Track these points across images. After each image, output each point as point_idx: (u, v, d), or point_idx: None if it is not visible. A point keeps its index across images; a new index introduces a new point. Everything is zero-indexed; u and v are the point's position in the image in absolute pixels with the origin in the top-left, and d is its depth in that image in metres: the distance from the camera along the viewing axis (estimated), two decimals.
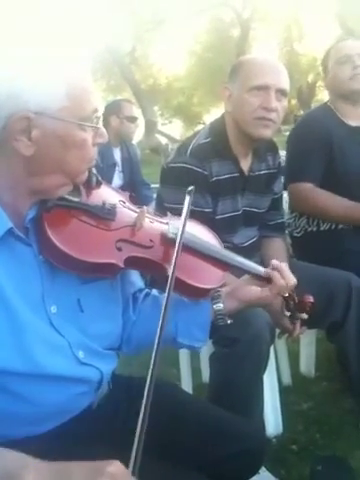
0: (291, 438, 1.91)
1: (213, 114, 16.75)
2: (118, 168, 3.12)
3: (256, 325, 1.46)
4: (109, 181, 3.06)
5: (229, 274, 1.25)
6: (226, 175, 1.67)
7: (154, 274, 1.14)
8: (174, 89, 21.74)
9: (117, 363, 1.15)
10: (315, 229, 2.17)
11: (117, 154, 3.14)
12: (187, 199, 1.14)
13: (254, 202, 1.80)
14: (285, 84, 1.63)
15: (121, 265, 1.00)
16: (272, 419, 1.89)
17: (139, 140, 12.75)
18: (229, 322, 1.17)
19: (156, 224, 1.13)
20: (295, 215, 2.24)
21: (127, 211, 1.10)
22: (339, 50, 2.13)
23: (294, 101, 25.31)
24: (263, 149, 1.79)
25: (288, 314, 1.35)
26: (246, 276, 1.20)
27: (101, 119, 1.01)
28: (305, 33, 20.05)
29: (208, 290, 1.15)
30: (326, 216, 2.09)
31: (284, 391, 2.17)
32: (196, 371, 2.16)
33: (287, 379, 2.25)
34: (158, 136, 16.70)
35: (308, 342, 2.29)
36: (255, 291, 1.16)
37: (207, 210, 1.66)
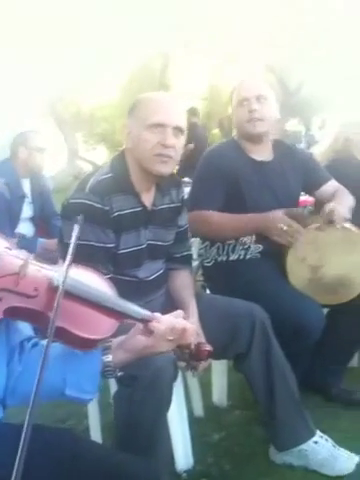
0: (202, 471, 1.90)
1: None
2: (28, 199, 3.04)
3: (157, 362, 1.44)
4: (18, 213, 2.97)
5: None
6: (128, 210, 1.68)
7: (39, 324, 1.09)
8: (97, 117, 21.75)
9: (6, 412, 1.09)
10: (225, 259, 2.21)
11: (26, 185, 3.06)
12: (76, 229, 1.12)
13: (159, 235, 1.81)
14: (181, 122, 1.66)
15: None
16: (182, 453, 1.88)
17: (62, 168, 12.58)
18: (119, 374, 1.15)
19: (43, 272, 1.09)
20: (206, 245, 2.28)
21: (11, 259, 1.06)
22: (239, 92, 2.19)
23: (216, 131, 26.15)
24: (166, 184, 1.81)
25: (183, 364, 1.34)
26: (137, 324, 1.19)
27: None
28: (224, 65, 20.87)
29: (96, 341, 1.11)
30: (222, 234, 2.14)
31: (196, 423, 2.16)
32: (107, 406, 2.10)
33: (199, 410, 2.25)
34: (82, 163, 16.56)
35: (220, 371, 2.30)
36: (142, 341, 1.15)
37: (109, 245, 1.65)
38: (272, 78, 18.38)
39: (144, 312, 1.19)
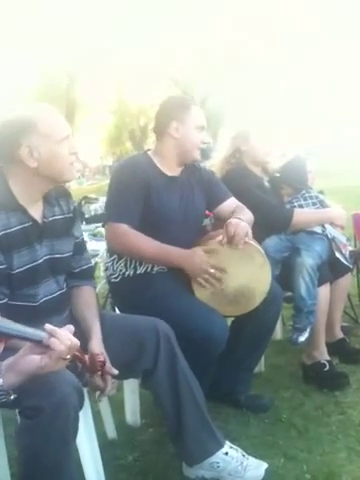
0: None
1: None
2: None
3: (61, 390, 1.39)
4: None
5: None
6: (16, 227, 1.63)
7: None
8: None
9: None
10: (132, 273, 2.20)
11: None
12: None
13: (55, 248, 1.76)
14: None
15: None
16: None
17: None
18: (12, 398, 1.11)
19: None
20: (113, 258, 2.25)
21: None
22: (198, 117, 2.24)
23: (129, 144, 26.22)
24: (53, 195, 1.79)
25: (80, 383, 1.33)
26: (28, 344, 1.16)
27: None
28: (132, 79, 21.03)
29: None
30: (138, 256, 2.15)
31: (109, 445, 2.14)
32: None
33: (112, 432, 2.21)
34: None
35: (131, 390, 2.28)
36: (33, 361, 1.12)
37: (0, 267, 1.58)
38: (177, 91, 18.79)
39: (40, 332, 1.16)
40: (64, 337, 1.15)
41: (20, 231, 1.64)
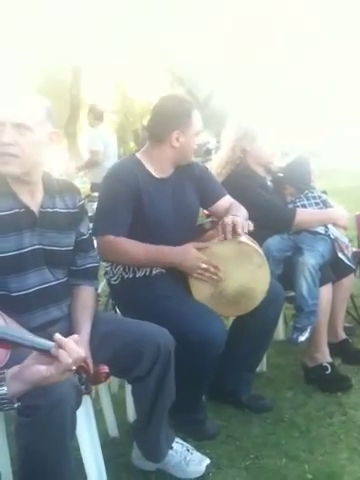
0: None
1: None
2: None
3: (58, 389, 1.37)
4: None
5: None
6: (4, 212, 1.63)
7: None
8: None
9: None
10: (131, 276, 2.20)
11: None
12: None
13: (52, 240, 1.75)
14: (22, 118, 1.60)
15: None
16: (96, 478, 1.84)
17: None
18: (16, 405, 1.11)
19: None
20: (111, 263, 2.25)
21: None
22: (198, 122, 2.20)
23: (132, 144, 26.18)
24: (56, 188, 1.78)
25: (83, 388, 1.33)
26: (34, 353, 1.16)
27: None
28: (136, 78, 21.02)
29: None
30: (131, 261, 2.14)
31: (111, 443, 2.15)
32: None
33: (114, 430, 2.22)
34: None
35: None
36: (39, 372, 1.12)
37: None
38: (181, 90, 18.78)
39: (47, 342, 1.16)
40: (72, 349, 1.14)
41: (9, 216, 1.63)
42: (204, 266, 2.03)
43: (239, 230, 2.03)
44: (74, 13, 15.33)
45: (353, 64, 20.75)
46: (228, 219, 2.06)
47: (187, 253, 2.06)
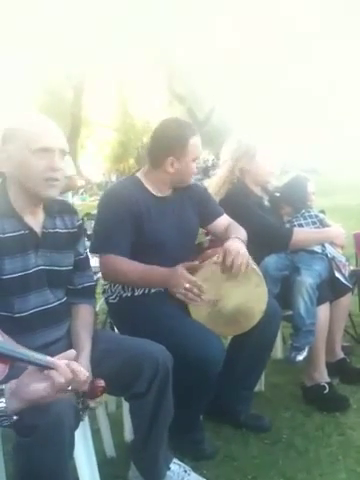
0: None
1: None
2: None
3: (56, 409, 1.39)
4: None
5: None
6: (10, 233, 1.66)
7: None
8: None
9: None
10: (130, 294, 2.21)
11: None
12: None
13: (53, 260, 1.77)
14: (65, 144, 1.70)
15: None
16: None
17: None
18: (15, 418, 1.11)
19: None
20: (110, 282, 2.26)
21: None
22: (196, 148, 2.20)
23: (132, 160, 26.34)
24: (56, 208, 1.81)
25: (80, 406, 1.33)
26: (30, 368, 1.17)
27: None
28: (137, 96, 21.20)
29: None
30: (126, 281, 2.16)
31: (108, 463, 2.13)
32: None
33: (111, 450, 2.21)
34: None
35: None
36: (36, 391, 1.13)
37: None
38: (182, 109, 18.91)
39: (45, 357, 1.17)
40: (65, 370, 1.15)
41: (14, 238, 1.66)
42: (187, 286, 1.99)
43: (236, 268, 2.05)
44: (71, 14, 15.37)
45: (353, 64, 20.82)
46: (231, 249, 2.07)
47: (173, 273, 2.03)
